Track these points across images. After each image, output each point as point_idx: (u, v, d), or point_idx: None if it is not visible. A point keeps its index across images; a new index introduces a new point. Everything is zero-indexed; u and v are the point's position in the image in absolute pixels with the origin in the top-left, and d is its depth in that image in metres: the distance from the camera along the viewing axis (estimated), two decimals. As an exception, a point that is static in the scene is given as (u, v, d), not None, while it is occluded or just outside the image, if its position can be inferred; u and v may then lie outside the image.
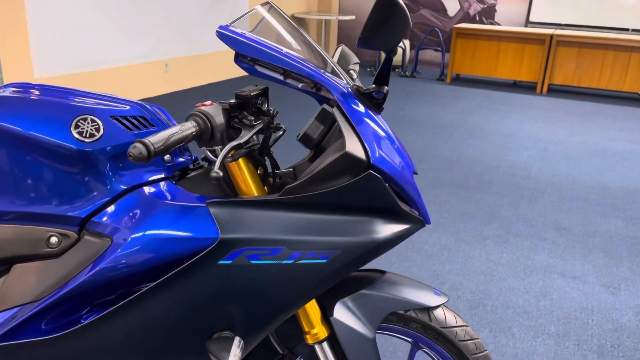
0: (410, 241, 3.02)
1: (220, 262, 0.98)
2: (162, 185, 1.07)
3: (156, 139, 0.88)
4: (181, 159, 1.13)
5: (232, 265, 0.98)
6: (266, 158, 1.15)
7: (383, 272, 1.24)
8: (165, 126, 1.11)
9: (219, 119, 1.00)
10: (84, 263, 1.01)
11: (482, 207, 3.54)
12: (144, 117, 1.09)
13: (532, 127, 5.58)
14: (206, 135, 0.99)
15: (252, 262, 0.99)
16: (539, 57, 7.26)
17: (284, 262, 1.00)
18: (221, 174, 0.92)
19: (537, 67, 7.31)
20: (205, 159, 1.19)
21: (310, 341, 1.14)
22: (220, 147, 1.01)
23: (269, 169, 1.17)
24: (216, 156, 1.11)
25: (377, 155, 1.03)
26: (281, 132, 1.18)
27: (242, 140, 0.97)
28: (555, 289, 2.61)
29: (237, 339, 0.98)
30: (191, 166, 1.17)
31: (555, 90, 7.53)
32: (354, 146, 1.01)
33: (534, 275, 2.73)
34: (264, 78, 1.10)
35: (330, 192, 1.01)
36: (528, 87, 7.68)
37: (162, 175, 1.09)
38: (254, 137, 1.15)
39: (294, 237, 1.00)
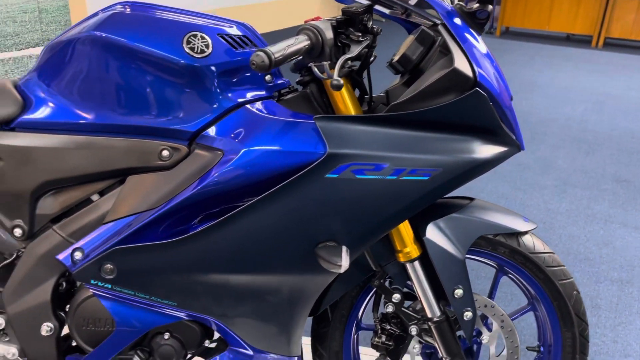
0: (467, 188, 3.01)
1: (327, 175, 1.01)
2: (266, 104, 1.10)
3: (276, 49, 0.90)
4: (280, 81, 1.16)
5: (338, 179, 1.01)
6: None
7: (472, 199, 1.26)
8: (265, 46, 1.13)
9: (329, 33, 1.01)
10: (195, 175, 1.06)
11: (537, 158, 3.48)
12: (247, 36, 1.11)
13: (587, 81, 5.38)
14: (316, 50, 1.00)
15: (357, 176, 1.02)
16: (596, 8, 6.91)
17: (388, 177, 1.02)
18: (342, 82, 0.94)
19: (594, 20, 6.97)
20: (301, 82, 1.21)
21: (402, 259, 1.18)
22: (327, 62, 1.02)
23: (356, 94, 1.18)
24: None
25: (482, 74, 1.03)
26: (372, 59, 1.18)
27: (353, 54, 0.99)
28: (616, 237, 2.58)
29: (344, 248, 1.02)
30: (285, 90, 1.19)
31: (612, 45, 7.19)
32: (461, 63, 1.01)
33: (594, 224, 2.70)
34: (351, 3, 1.10)
35: (436, 109, 1.02)
36: (582, 41, 7.35)
37: (265, 94, 1.12)
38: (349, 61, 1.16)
39: (398, 154, 1.02)
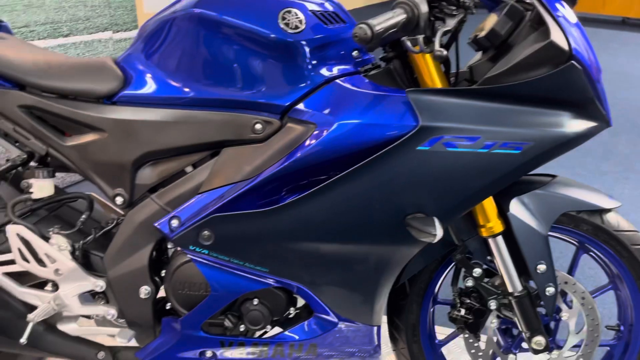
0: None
1: (419, 147, 1.03)
2: (356, 78, 1.12)
3: (377, 22, 0.93)
4: (366, 57, 1.18)
5: (429, 151, 1.04)
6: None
7: (554, 176, 1.25)
8: (353, 22, 1.16)
9: (424, 7, 1.02)
10: (288, 148, 1.09)
11: (597, 143, 3.38)
12: (336, 13, 1.14)
13: (646, 65, 5.19)
14: (412, 24, 1.02)
15: (449, 149, 1.03)
16: (656, -10, 6.62)
17: (479, 150, 1.04)
18: (445, 52, 0.96)
19: (653, 2, 6.68)
20: (384, 58, 1.23)
21: (484, 234, 1.19)
22: (422, 36, 1.03)
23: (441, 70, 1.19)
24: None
25: (576, 47, 1.03)
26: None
27: (450, 27, 1.00)
28: (685, 225, 2.50)
29: (435, 218, 1.05)
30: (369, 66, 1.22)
31: (672, 28, 6.89)
32: (557, 36, 1.01)
33: (659, 211, 2.62)
34: None
35: (530, 83, 1.03)
36: (639, 25, 7.06)
37: (352, 70, 1.15)
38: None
39: (490, 127, 1.03)
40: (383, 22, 0.94)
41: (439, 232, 1.02)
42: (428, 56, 1.11)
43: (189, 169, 1.19)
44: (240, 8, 1.10)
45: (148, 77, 1.17)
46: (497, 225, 1.18)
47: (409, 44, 1.05)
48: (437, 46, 0.97)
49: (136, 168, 1.18)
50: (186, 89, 1.14)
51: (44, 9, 2.49)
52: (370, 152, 1.05)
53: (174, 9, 1.16)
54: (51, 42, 2.55)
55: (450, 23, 1.01)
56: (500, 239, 1.20)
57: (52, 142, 1.18)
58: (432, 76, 1.12)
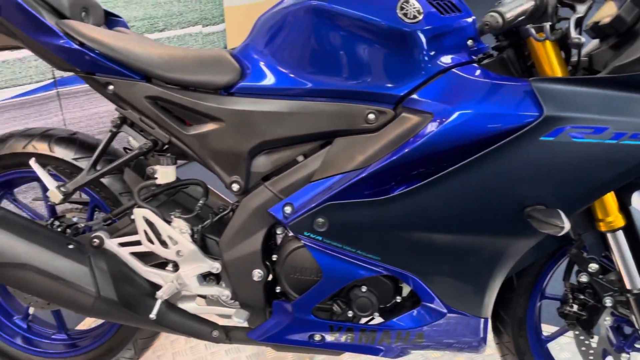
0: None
1: (542, 138, 1.01)
2: (472, 67, 1.11)
3: (506, 9, 0.92)
4: (481, 45, 1.16)
5: (554, 142, 1.01)
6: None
7: None
8: (469, 11, 1.14)
9: (553, -7, 1.00)
10: (403, 137, 1.10)
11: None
12: (451, 2, 1.13)
13: None
14: (540, 11, 1.00)
15: (574, 139, 1.00)
16: None
17: (607, 141, 1.00)
18: (583, 39, 0.93)
19: None
20: (497, 46, 1.21)
21: (603, 229, 1.15)
22: (548, 23, 1.01)
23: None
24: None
25: None
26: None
27: (582, 14, 0.97)
28: None
29: (560, 211, 1.02)
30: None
31: None
32: None
33: None
34: None
35: (664, 71, 0.98)
36: None
37: (467, 59, 1.13)
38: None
39: (619, 117, 0.99)
40: (513, 9, 0.93)
41: (567, 224, 0.99)
42: (549, 44, 1.08)
43: (300, 158, 1.23)
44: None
45: (264, 69, 1.21)
46: (617, 220, 1.14)
47: (533, 31, 1.03)
48: (573, 33, 0.94)
49: (252, 157, 1.23)
50: (301, 81, 1.17)
51: (142, 5, 2.63)
52: (489, 141, 1.04)
53: (291, 1, 1.19)
54: (149, 37, 2.69)
55: (581, 9, 0.98)
56: (620, 233, 1.15)
57: (175, 131, 1.25)
58: (552, 65, 1.09)
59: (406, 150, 1.08)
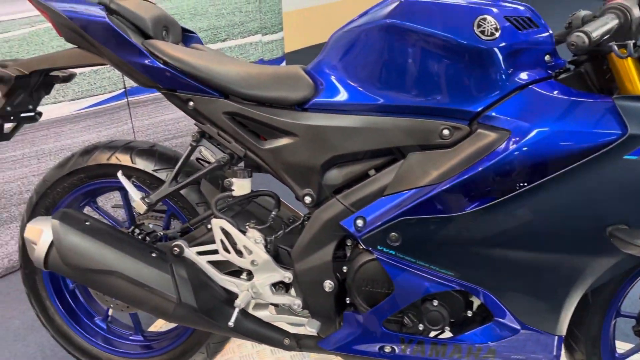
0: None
1: (626, 156, 0.99)
2: (550, 83, 1.10)
3: (592, 29, 0.91)
4: (559, 61, 1.15)
5: (638, 161, 0.99)
6: None
7: None
8: (546, 27, 1.13)
9: (636, 11, 0.98)
10: (479, 154, 1.10)
11: None
12: (529, 17, 1.12)
13: None
14: (624, 29, 0.98)
15: (660, 158, 0.98)
16: None
17: (696, 160, 0.97)
18: None
19: None
20: (574, 61, 1.19)
21: (687, 248, 1.12)
22: (632, 41, 0.99)
23: None
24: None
25: None
26: None
27: (672, 31, 0.95)
28: None
29: (646, 230, 1.00)
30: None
31: None
32: None
33: None
34: None
35: None
36: None
37: (545, 75, 1.12)
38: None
39: None
40: (598, 28, 0.92)
41: (656, 245, 0.98)
42: (631, 61, 1.06)
43: (371, 172, 1.25)
44: (433, 17, 1.12)
45: (338, 85, 1.24)
46: (701, 240, 1.10)
47: (616, 48, 1.01)
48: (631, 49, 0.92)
49: (324, 170, 1.26)
50: (375, 97, 1.19)
51: (206, 16, 2.72)
52: (569, 160, 1.03)
53: (365, 19, 1.21)
54: (211, 47, 2.78)
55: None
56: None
57: (250, 145, 1.30)
58: (634, 82, 1.07)
59: (482, 167, 1.09)
